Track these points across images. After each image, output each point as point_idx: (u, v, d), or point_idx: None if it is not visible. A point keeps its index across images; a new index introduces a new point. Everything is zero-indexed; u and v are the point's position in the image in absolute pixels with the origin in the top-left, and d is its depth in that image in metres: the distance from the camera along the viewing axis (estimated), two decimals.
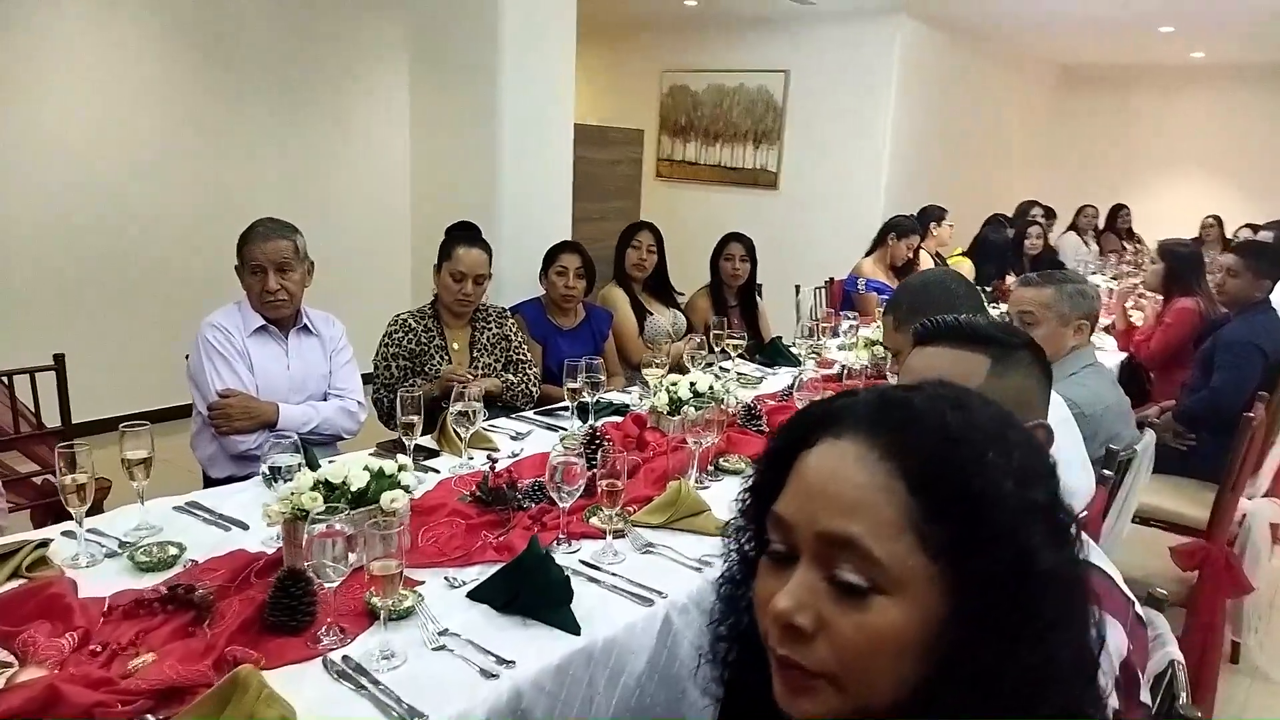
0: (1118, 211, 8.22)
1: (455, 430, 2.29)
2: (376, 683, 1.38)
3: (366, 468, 1.74)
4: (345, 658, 1.44)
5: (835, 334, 4.07)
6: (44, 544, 1.70)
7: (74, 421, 2.63)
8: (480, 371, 3.02)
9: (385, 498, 1.69)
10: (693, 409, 2.44)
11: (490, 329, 3.13)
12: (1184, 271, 4.04)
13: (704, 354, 3.17)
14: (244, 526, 1.88)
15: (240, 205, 4.84)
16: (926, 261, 5.54)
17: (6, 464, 2.66)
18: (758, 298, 4.30)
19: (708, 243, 4.26)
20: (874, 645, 0.66)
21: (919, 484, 0.66)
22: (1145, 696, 1.22)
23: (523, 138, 3.88)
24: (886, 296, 5.11)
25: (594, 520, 1.97)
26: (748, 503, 0.81)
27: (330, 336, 2.70)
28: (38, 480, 2.66)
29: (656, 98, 8.00)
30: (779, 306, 5.00)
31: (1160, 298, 4.25)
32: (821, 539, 0.68)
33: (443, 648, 1.48)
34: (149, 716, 1.25)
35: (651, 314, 3.87)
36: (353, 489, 1.68)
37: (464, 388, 2.32)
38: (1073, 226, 7.86)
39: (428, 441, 2.48)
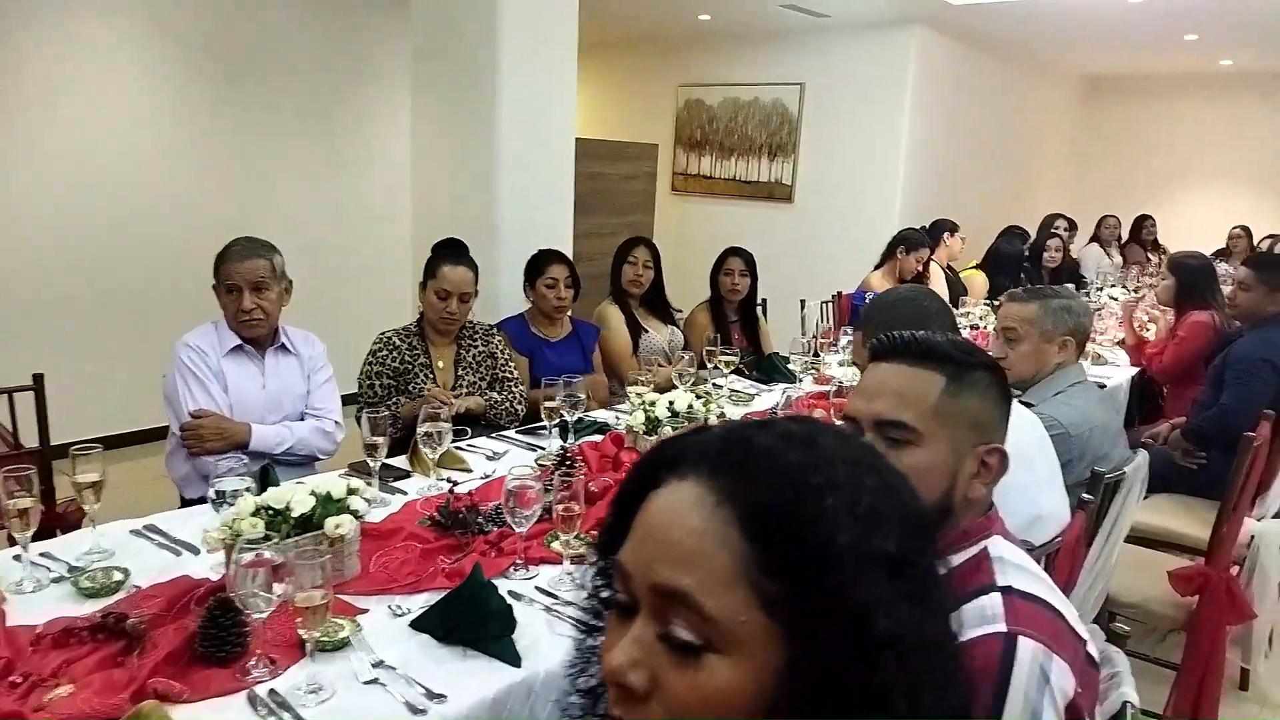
0: (1142, 223, 8.04)
1: (424, 451, 2.26)
2: (300, 718, 1.34)
3: (313, 492, 1.70)
4: (271, 691, 1.40)
5: (836, 349, 3.99)
6: None
7: (54, 443, 2.63)
8: (465, 390, 3.00)
9: (330, 523, 1.65)
10: (670, 429, 2.39)
11: (476, 346, 3.10)
12: (1195, 285, 3.92)
13: (692, 372, 3.11)
14: (195, 551, 1.85)
15: (236, 224, 4.86)
16: (937, 274, 5.45)
17: None
18: (759, 313, 4.24)
19: None
20: (707, 709, 0.61)
21: (755, 532, 0.61)
22: None
23: (522, 152, 3.86)
24: None
25: (555, 545, 1.92)
26: (600, 547, 0.76)
27: (309, 356, 2.68)
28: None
29: (672, 112, 7.97)
30: (794, 321, 4.94)
31: (1172, 311, 4.13)
32: (655, 591, 0.63)
33: (375, 681, 1.44)
34: None
35: (647, 331, 3.82)
36: (295, 514, 1.64)
37: (438, 409, 2.29)
38: (1095, 238, 7.70)
39: (402, 462, 2.46)
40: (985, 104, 7.59)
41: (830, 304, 5.15)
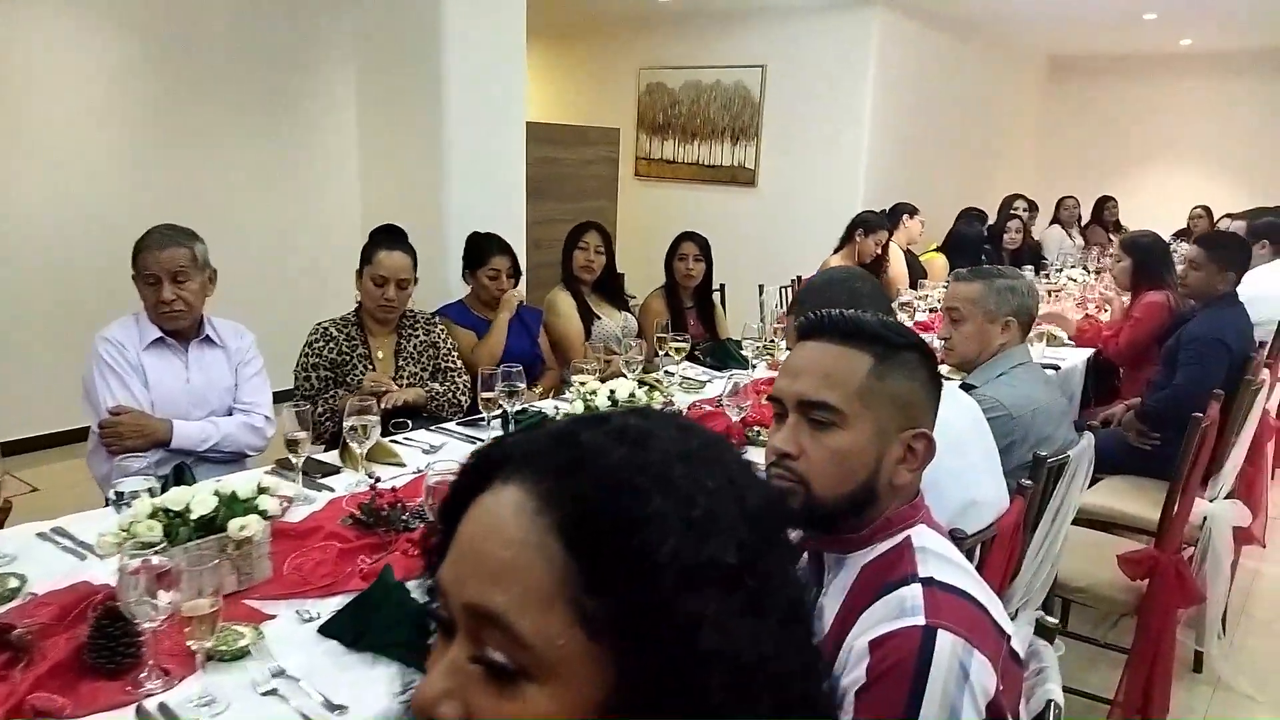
0: (1104, 204, 8.05)
1: (351, 445, 2.18)
2: None
3: (216, 492, 1.62)
4: (162, 705, 1.32)
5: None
6: None
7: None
8: (405, 381, 2.91)
9: (233, 525, 1.57)
10: None
11: (418, 336, 3.01)
12: (1149, 264, 3.89)
13: (639, 360, 3.04)
14: (101, 555, 1.76)
15: (177, 216, 4.73)
16: (896, 256, 5.42)
17: None
18: (715, 298, 4.18)
19: None
20: None
21: (576, 543, 0.54)
22: None
23: (470, 138, 3.78)
24: None
25: None
26: (428, 560, 0.68)
27: (237, 348, 2.58)
28: None
29: (634, 96, 7.88)
30: (757, 306, 4.88)
31: (1126, 294, 4.10)
32: (468, 611, 0.56)
33: (273, 692, 1.37)
34: None
35: (600, 318, 3.74)
36: (195, 516, 1.56)
37: (385, 400, 2.19)
38: (1055, 219, 7.70)
39: (335, 457, 2.38)
40: (947, 85, 7.55)
41: (790, 288, 5.09)
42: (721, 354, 3.63)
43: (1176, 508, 2.54)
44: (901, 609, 1.05)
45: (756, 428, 2.60)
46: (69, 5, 4.55)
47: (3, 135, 4.40)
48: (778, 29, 6.93)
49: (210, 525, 1.60)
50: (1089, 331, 4.11)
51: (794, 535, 1.46)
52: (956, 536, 1.56)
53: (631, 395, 2.48)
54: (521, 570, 0.54)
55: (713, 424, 2.60)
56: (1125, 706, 2.51)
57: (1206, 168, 8.64)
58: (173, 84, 4.95)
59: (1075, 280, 5.58)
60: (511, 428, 2.59)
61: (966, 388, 2.28)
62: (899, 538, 1.16)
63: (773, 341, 3.67)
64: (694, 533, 0.54)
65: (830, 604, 1.17)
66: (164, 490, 1.72)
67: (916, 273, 5.51)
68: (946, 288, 4.81)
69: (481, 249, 3.35)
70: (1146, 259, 3.93)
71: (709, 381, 3.33)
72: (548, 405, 2.81)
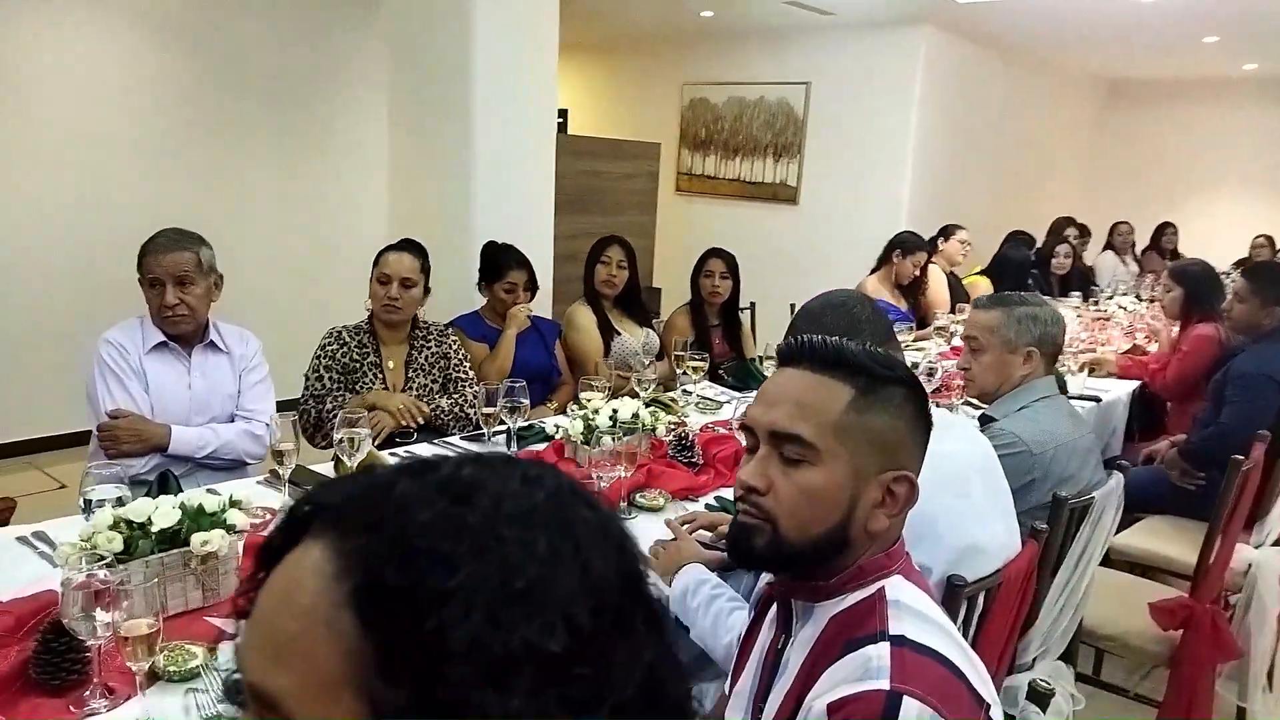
0: (1163, 230, 7.77)
1: (342, 458, 2.12)
2: None
3: (181, 505, 1.56)
4: None
5: None
6: None
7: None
8: (414, 392, 2.86)
9: (196, 540, 1.52)
10: (610, 439, 2.23)
11: (429, 347, 2.97)
12: (1201, 294, 3.70)
13: (653, 379, 2.95)
14: (58, 565, 1.72)
15: (207, 225, 4.77)
16: (937, 278, 5.27)
17: None
18: (742, 316, 4.08)
19: None
20: None
21: (369, 618, 0.45)
22: None
23: (500, 151, 3.73)
24: (891, 316, 4.86)
25: None
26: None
27: (241, 354, 2.55)
28: None
29: (677, 111, 7.82)
30: (787, 325, 4.75)
31: (1174, 324, 3.92)
32: (251, 692, 0.48)
33: (216, 717, 1.30)
34: None
35: (620, 334, 3.66)
36: (156, 529, 1.50)
37: (356, 415, 2.14)
38: (1108, 245, 7.46)
39: (328, 469, 2.32)
40: (996, 107, 7.38)
41: None
42: (743, 373, 3.52)
43: (1215, 554, 2.38)
44: (865, 670, 0.94)
45: None
46: (94, 13, 4.60)
47: (30, 143, 4.47)
48: (823, 46, 6.83)
49: (175, 538, 1.55)
50: (1133, 366, 3.93)
51: (764, 579, 1.35)
52: (954, 584, 1.45)
53: (635, 415, 2.39)
54: (309, 648, 0.45)
55: (722, 447, 2.50)
56: None
57: (1271, 196, 8.32)
58: (199, 94, 4.99)
59: (1125, 309, 5.38)
60: (515, 444, 2.53)
61: (986, 420, 2.16)
62: (872, 589, 1.05)
63: None
64: (509, 611, 0.45)
65: (795, 656, 1.07)
66: (156, 496, 1.68)
67: (959, 296, 5.35)
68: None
69: (499, 262, 3.30)
70: (1197, 289, 3.74)
71: (727, 402, 3.23)
72: (549, 422, 2.73)
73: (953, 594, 1.45)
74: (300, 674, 0.45)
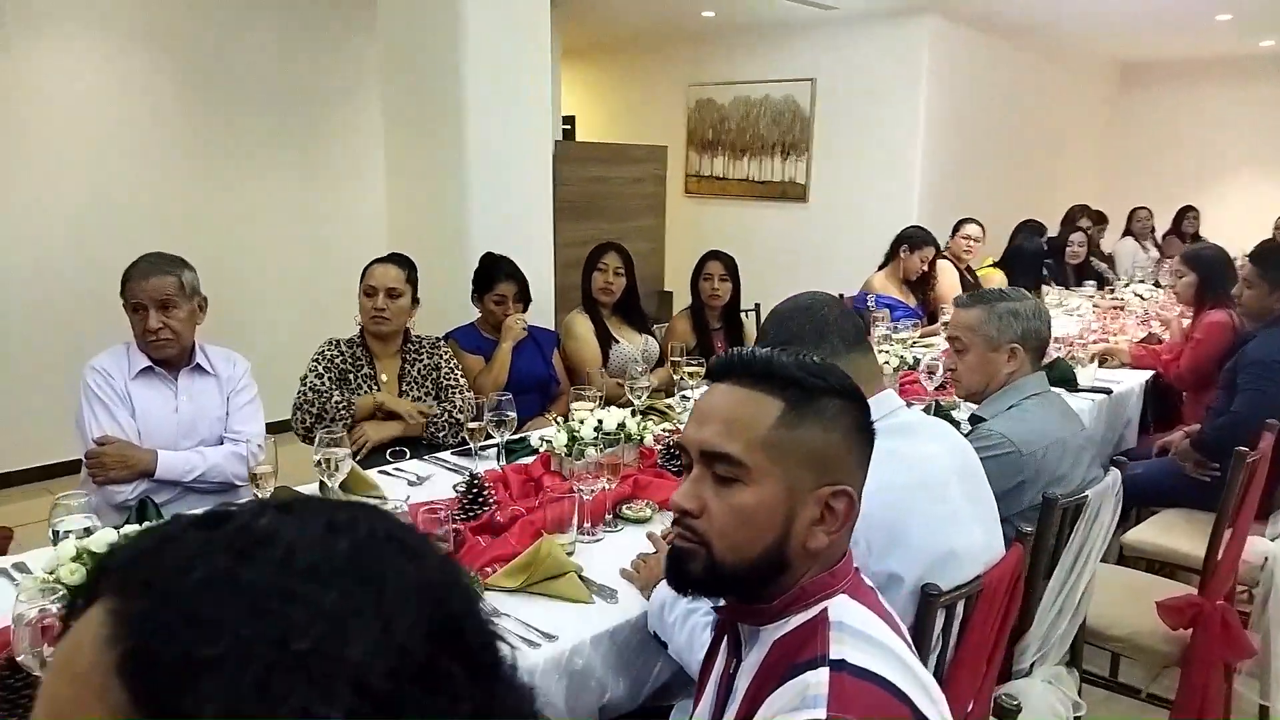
0: (1184, 214, 7.62)
1: (321, 480, 2.10)
2: None
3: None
4: None
5: None
6: None
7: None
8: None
9: None
10: (595, 450, 2.20)
11: (422, 360, 2.96)
12: (1215, 280, 3.60)
13: (646, 386, 2.92)
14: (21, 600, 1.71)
15: (206, 245, 4.79)
16: (947, 273, 5.18)
17: None
18: (744, 319, 4.03)
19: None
20: None
21: (136, 689, 0.41)
22: None
23: (496, 160, 3.71)
24: (899, 313, 4.79)
25: None
26: None
27: (229, 376, 2.54)
28: None
29: (683, 112, 7.78)
30: None
31: (1188, 311, 3.82)
32: None
33: None
34: None
35: (619, 341, 3.63)
36: None
37: (338, 435, 2.12)
38: (1127, 231, 7.33)
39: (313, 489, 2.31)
40: (1005, 94, 7.28)
41: None
42: None
43: (1224, 549, 2.31)
44: (803, 698, 0.90)
45: None
46: (93, 30, 4.62)
47: (30, 161, 4.49)
48: (827, 41, 6.77)
49: None
50: (1146, 356, 3.84)
51: (707, 604, 1.31)
52: (929, 593, 1.40)
53: (620, 425, 2.36)
54: (81, 716, 0.42)
55: None
56: None
57: None
58: (196, 110, 5.00)
59: (1141, 296, 5.27)
60: (503, 460, 2.50)
61: (976, 420, 2.10)
62: (815, 610, 1.01)
63: None
64: (283, 678, 0.40)
65: (742, 682, 1.03)
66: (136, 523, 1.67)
67: (968, 289, 5.26)
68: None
69: (489, 274, 3.28)
70: (1211, 274, 3.64)
71: None
72: (534, 435, 2.70)
73: (928, 603, 1.40)
74: None
